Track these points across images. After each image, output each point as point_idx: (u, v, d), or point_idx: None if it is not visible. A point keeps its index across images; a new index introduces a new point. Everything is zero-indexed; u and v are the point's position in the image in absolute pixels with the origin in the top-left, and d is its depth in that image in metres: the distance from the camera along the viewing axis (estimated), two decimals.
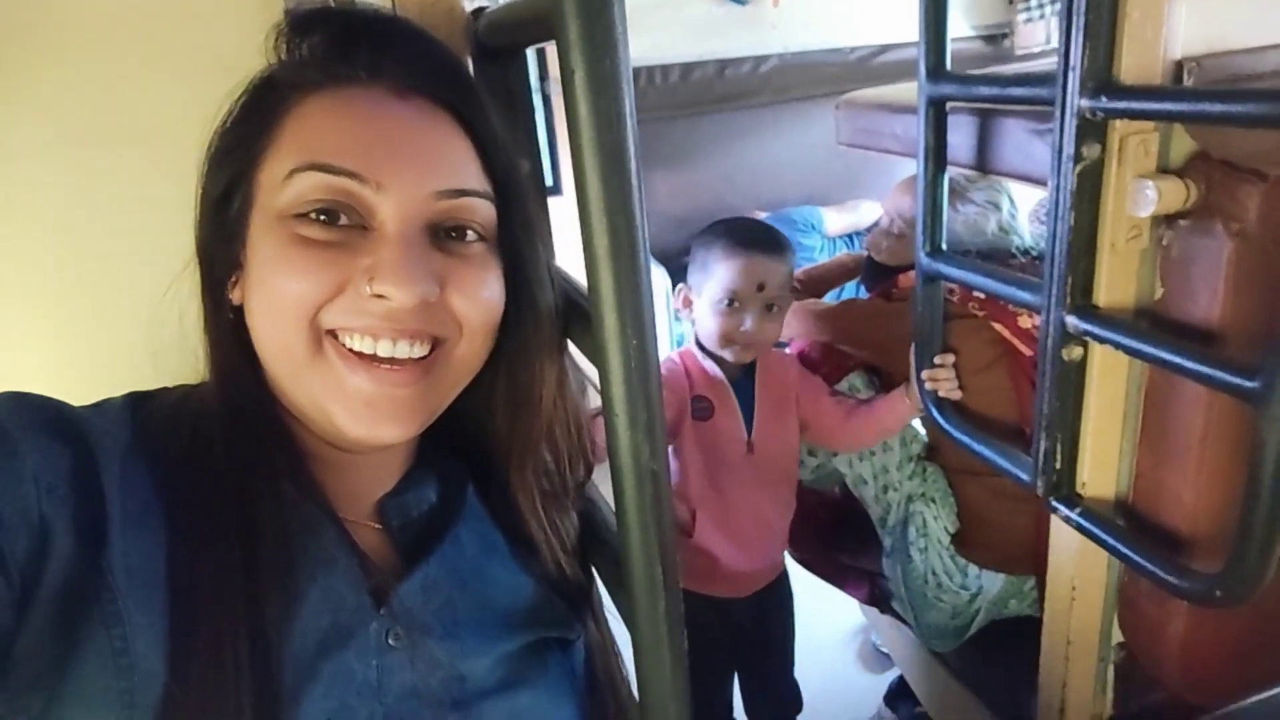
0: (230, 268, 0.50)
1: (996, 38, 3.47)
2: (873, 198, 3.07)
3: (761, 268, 1.27)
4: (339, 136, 0.47)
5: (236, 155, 0.49)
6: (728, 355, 1.32)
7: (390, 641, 0.49)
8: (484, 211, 0.51)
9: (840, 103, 1.45)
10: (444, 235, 0.50)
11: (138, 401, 0.50)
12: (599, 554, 0.62)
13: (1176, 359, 0.80)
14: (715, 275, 1.29)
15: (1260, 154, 0.82)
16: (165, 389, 0.52)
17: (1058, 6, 2.99)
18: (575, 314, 0.56)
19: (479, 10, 0.61)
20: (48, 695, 0.40)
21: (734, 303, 1.28)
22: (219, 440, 0.48)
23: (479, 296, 0.50)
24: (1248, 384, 0.72)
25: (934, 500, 1.33)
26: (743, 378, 1.36)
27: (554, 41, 0.42)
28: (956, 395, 1.21)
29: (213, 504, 0.46)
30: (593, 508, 0.65)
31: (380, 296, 0.46)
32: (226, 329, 0.51)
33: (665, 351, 2.45)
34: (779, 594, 1.50)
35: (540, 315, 0.55)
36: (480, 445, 0.59)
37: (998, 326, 1.22)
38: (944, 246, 1.14)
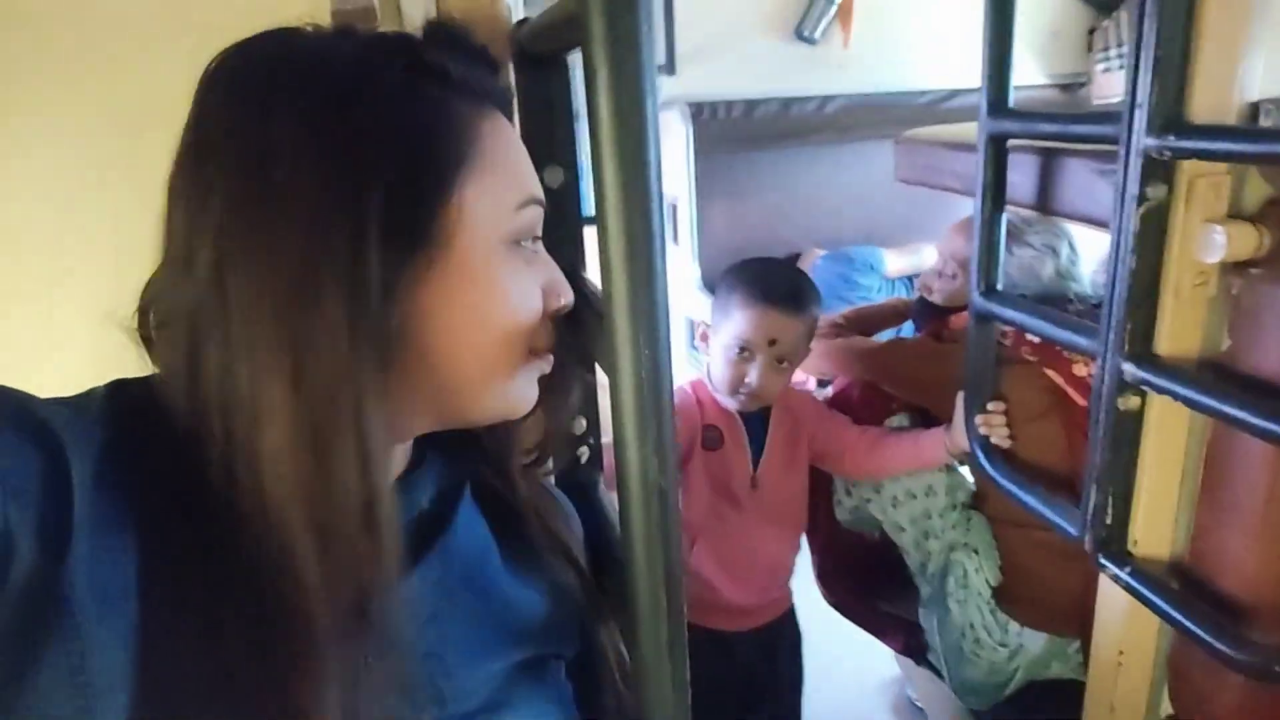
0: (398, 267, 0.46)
1: (1073, 87, 3.40)
2: (934, 241, 3.01)
3: (777, 323, 1.25)
4: (526, 166, 0.52)
5: (433, 174, 0.47)
6: (732, 403, 1.32)
7: (369, 660, 0.47)
8: None
9: (900, 138, 1.43)
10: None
11: (117, 392, 0.47)
12: (604, 573, 0.61)
13: (1242, 414, 0.75)
14: (731, 320, 1.28)
15: None
16: (150, 378, 0.48)
17: None
18: (588, 317, 0.55)
19: (523, 21, 0.62)
20: (6, 706, 0.38)
21: (744, 352, 1.27)
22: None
23: None
24: None
25: (976, 551, 1.28)
26: (756, 413, 1.36)
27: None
28: (1007, 443, 1.16)
29: (190, 510, 0.43)
30: (604, 525, 0.63)
31: (559, 310, 0.53)
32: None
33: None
34: (785, 633, 1.47)
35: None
36: (484, 450, 0.58)
37: (1051, 373, 1.18)
38: (999, 287, 1.11)
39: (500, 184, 0.49)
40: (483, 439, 0.58)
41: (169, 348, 0.45)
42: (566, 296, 0.53)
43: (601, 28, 0.39)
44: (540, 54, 0.61)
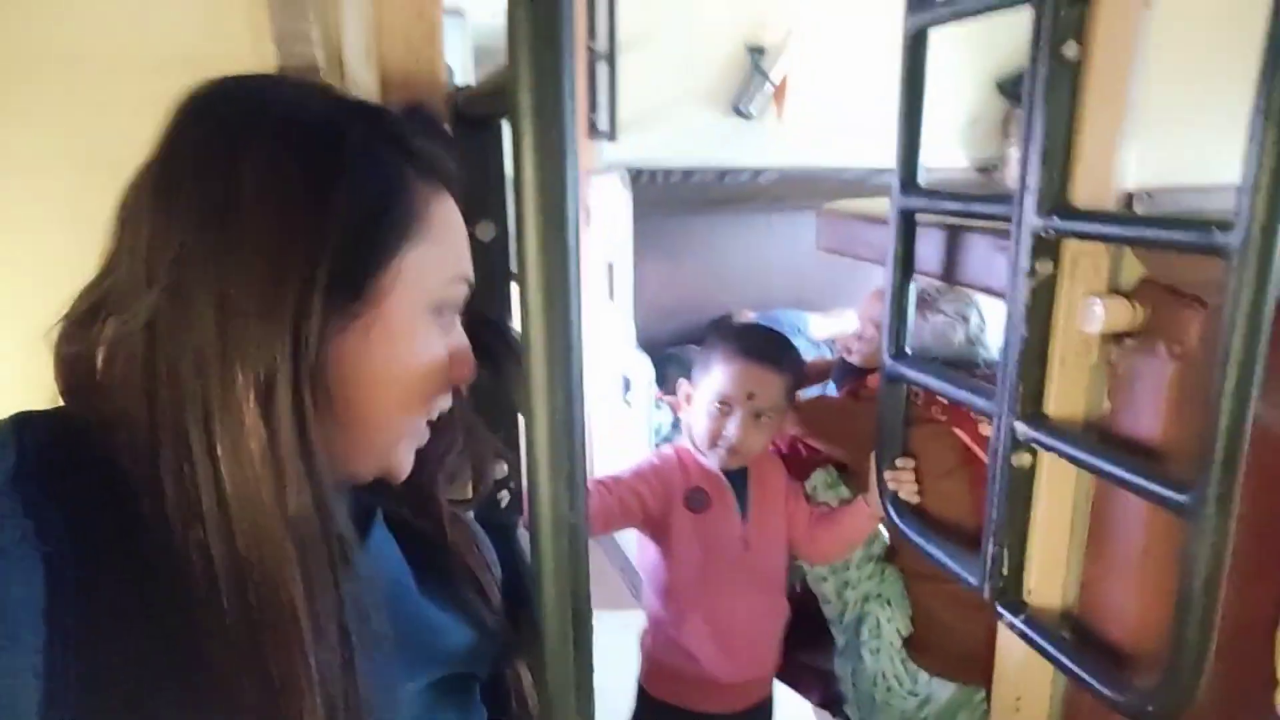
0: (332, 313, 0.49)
1: (991, 170, 3.62)
2: (857, 307, 3.14)
3: (755, 377, 1.30)
4: (463, 246, 0.56)
5: (381, 236, 0.50)
6: (712, 458, 1.33)
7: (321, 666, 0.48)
8: None
9: (821, 210, 1.51)
10: None
11: (23, 423, 0.47)
12: (519, 612, 0.63)
13: (1116, 470, 0.82)
14: (711, 376, 1.32)
15: (1202, 283, 0.86)
16: (57, 410, 0.50)
17: None
18: (508, 361, 0.58)
19: (463, 87, 0.66)
20: None
21: (724, 405, 1.30)
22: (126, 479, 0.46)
23: None
24: (1179, 498, 0.74)
25: (889, 602, 1.33)
26: (736, 475, 1.36)
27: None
28: (916, 498, 1.22)
29: (110, 534, 0.45)
30: (521, 566, 0.66)
31: (460, 380, 0.56)
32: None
33: (645, 441, 2.47)
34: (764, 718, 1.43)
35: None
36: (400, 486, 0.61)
37: (959, 433, 1.25)
38: (908, 350, 1.18)
39: (437, 258, 0.53)
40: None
41: (122, 362, 0.47)
42: (469, 369, 0.57)
43: (528, 101, 0.44)
44: (476, 117, 0.65)
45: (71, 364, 0.49)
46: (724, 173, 3.04)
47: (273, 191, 0.46)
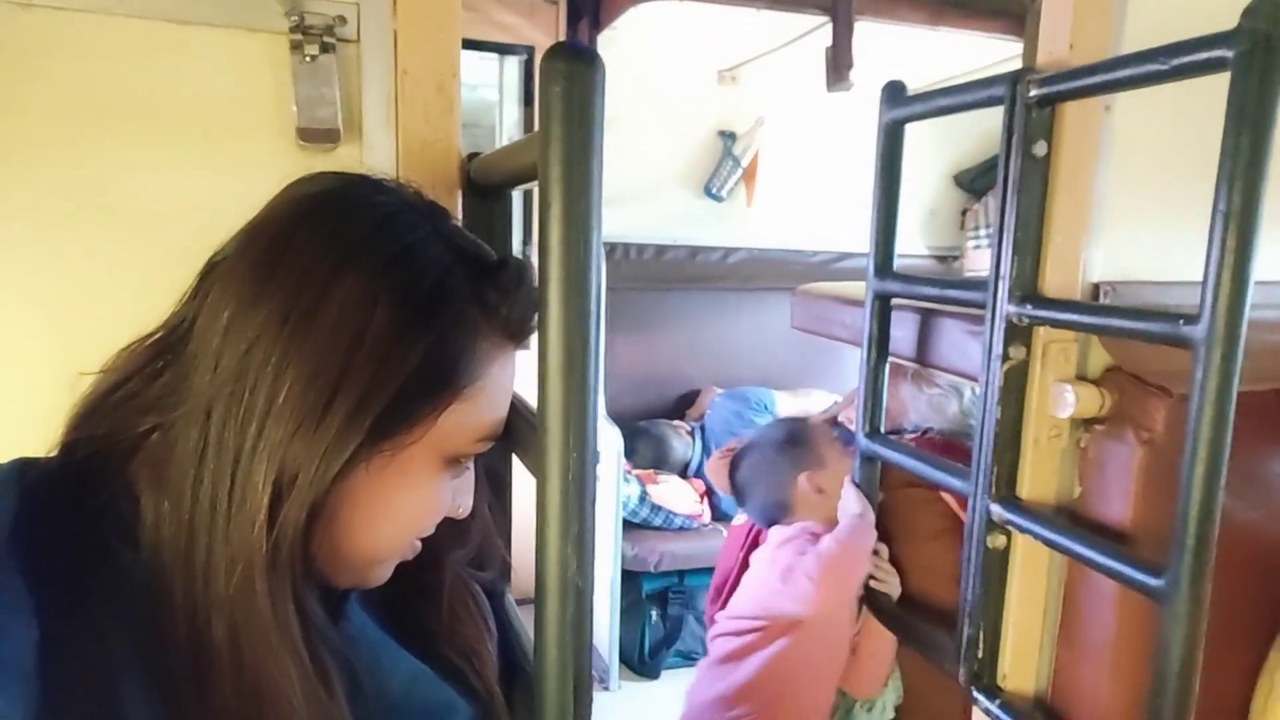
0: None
1: (948, 259, 3.76)
2: (824, 387, 3.20)
3: None
4: (506, 403, 0.56)
5: (438, 394, 0.51)
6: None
7: None
8: None
9: (797, 291, 1.55)
10: None
11: (26, 470, 0.48)
12: (512, 682, 0.62)
13: (1090, 554, 0.84)
14: (833, 453, 1.37)
15: (1167, 373, 0.90)
16: (58, 460, 0.50)
17: None
18: (519, 425, 0.59)
19: (474, 155, 0.68)
20: None
21: None
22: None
23: None
24: (1153, 581, 0.76)
25: None
26: None
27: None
28: (897, 592, 1.23)
29: (106, 592, 0.45)
30: (511, 633, 0.65)
31: (455, 515, 0.57)
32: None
33: (612, 514, 2.45)
34: None
35: None
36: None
37: (946, 498, 1.26)
38: (882, 428, 1.20)
39: (476, 418, 0.53)
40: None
41: (180, 438, 0.47)
42: (466, 504, 0.58)
43: (559, 171, 0.46)
44: (488, 185, 0.67)
45: (91, 416, 0.50)
46: (696, 251, 3.13)
47: (355, 321, 0.47)
